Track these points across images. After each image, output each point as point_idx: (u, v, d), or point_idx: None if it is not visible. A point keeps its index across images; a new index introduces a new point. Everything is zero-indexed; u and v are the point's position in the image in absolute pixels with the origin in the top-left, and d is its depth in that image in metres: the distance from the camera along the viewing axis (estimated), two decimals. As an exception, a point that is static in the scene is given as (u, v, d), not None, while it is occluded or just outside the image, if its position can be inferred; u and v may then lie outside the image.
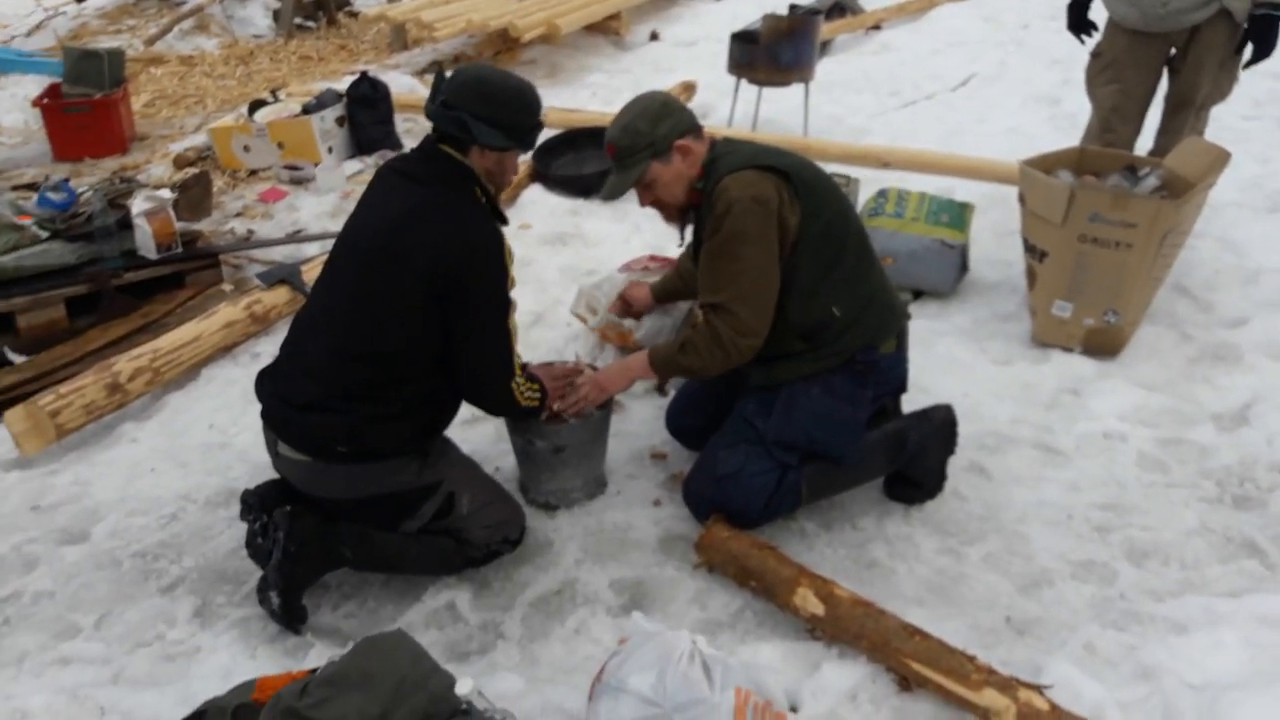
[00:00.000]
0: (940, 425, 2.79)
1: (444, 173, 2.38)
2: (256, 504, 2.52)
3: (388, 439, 2.38)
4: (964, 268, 4.03)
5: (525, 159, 5.34)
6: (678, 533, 2.77)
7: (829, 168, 4.84)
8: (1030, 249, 3.56)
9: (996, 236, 4.45)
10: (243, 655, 2.38)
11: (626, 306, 3.31)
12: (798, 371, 2.58)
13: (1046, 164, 3.61)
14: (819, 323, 2.54)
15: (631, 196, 2.69)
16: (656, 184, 2.59)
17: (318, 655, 2.38)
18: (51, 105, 6.17)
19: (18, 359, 3.80)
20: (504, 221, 2.47)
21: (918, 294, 4.01)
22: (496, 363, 2.45)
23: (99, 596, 2.60)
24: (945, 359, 3.55)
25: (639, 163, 2.54)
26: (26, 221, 4.08)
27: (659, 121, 2.52)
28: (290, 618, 2.41)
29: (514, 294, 2.45)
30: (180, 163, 5.90)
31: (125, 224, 4.14)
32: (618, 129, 2.56)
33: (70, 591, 2.62)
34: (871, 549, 2.70)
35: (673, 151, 2.54)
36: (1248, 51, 3.72)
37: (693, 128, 2.56)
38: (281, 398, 2.42)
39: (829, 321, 2.54)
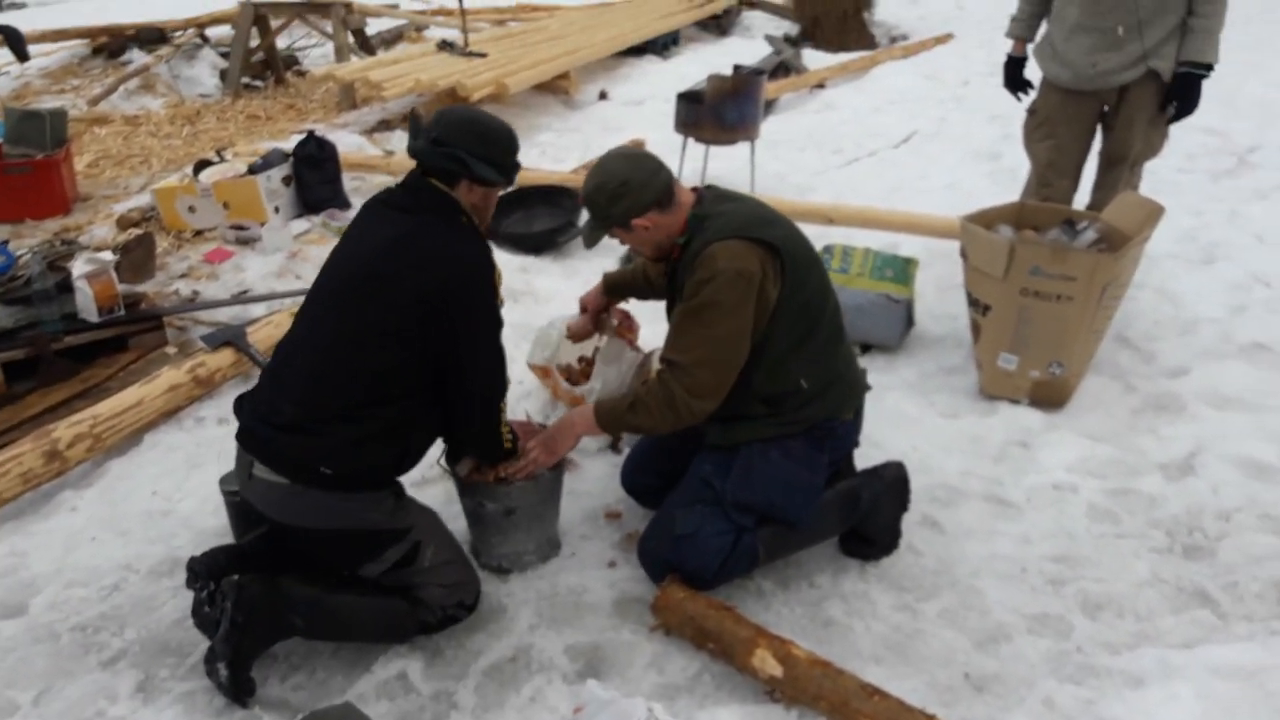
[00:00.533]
0: (892, 483, 2.81)
1: (431, 203, 2.42)
2: (203, 571, 2.45)
3: (366, 461, 2.36)
4: (910, 322, 4.09)
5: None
6: (633, 594, 2.74)
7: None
8: (974, 303, 3.63)
9: (940, 290, 4.52)
10: (186, 736, 2.30)
11: (579, 332, 3.27)
12: (757, 434, 2.59)
13: (987, 219, 3.70)
14: (784, 392, 2.56)
15: (582, 253, 2.72)
16: (635, 235, 2.62)
17: (264, 732, 2.31)
18: (-9, 166, 6.07)
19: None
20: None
21: (865, 348, 4.06)
22: (489, 380, 2.49)
23: (37, 671, 2.50)
24: (894, 413, 3.58)
25: (604, 228, 2.60)
26: (-37, 285, 3.99)
27: (615, 201, 2.53)
28: (238, 690, 2.34)
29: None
30: (124, 223, 5.81)
31: (65, 287, 4.06)
32: (587, 188, 2.58)
33: (7, 667, 2.51)
34: (828, 607, 2.69)
35: (633, 228, 2.58)
36: (1171, 108, 3.86)
37: (655, 202, 2.53)
38: (262, 418, 2.39)
39: (794, 392, 2.56)
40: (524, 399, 3.72)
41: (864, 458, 2.92)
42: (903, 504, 2.83)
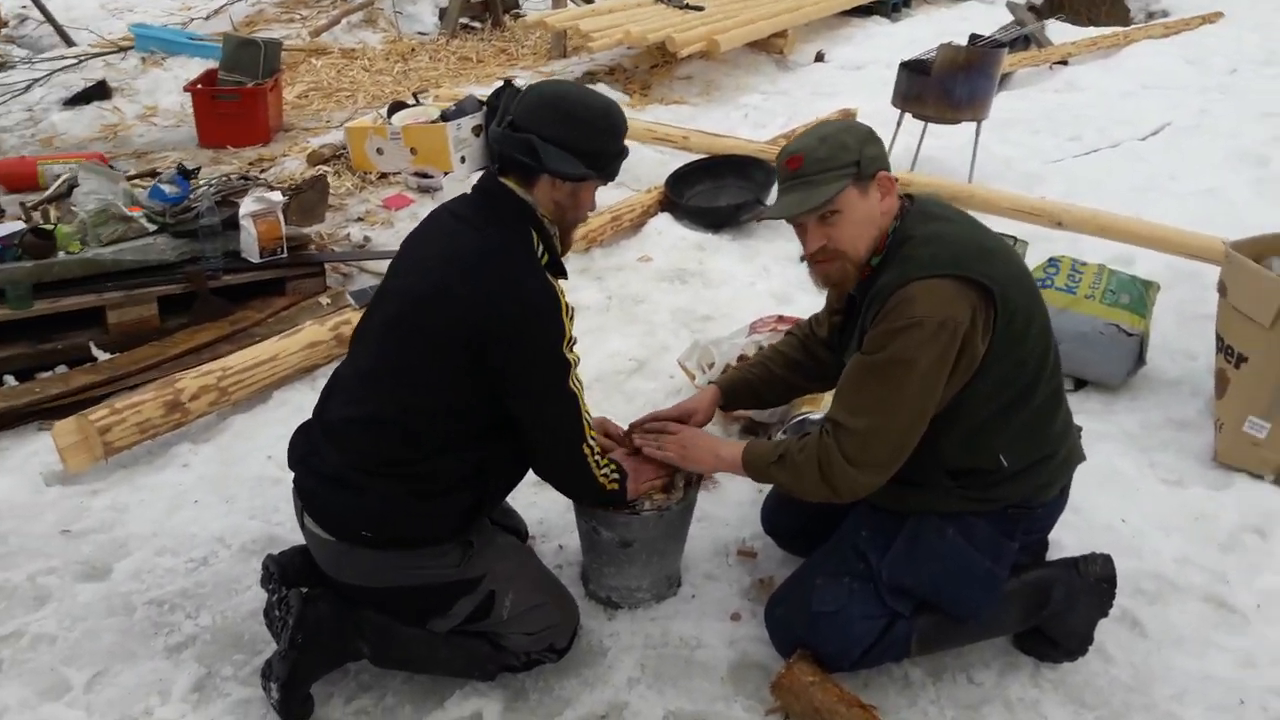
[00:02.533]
0: (1095, 583, 2.25)
1: (499, 214, 2.03)
2: (277, 573, 2.23)
3: (420, 525, 2.03)
4: (1140, 359, 3.42)
5: (655, 187, 4.98)
6: (754, 658, 2.33)
7: (992, 225, 4.33)
8: (1225, 349, 2.96)
9: (1180, 320, 3.81)
10: (228, 755, 2.07)
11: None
12: (934, 505, 2.11)
13: (1258, 248, 3.00)
14: (978, 469, 2.06)
15: (765, 234, 2.25)
16: (844, 220, 2.00)
17: (312, 764, 2.06)
18: (202, 91, 6.18)
19: (102, 355, 3.66)
20: (562, 274, 2.12)
21: (1080, 383, 3.44)
22: (557, 431, 2.08)
23: (100, 649, 2.34)
24: (1105, 470, 2.97)
25: (836, 180, 1.97)
26: (136, 213, 3.95)
27: (868, 143, 2.01)
28: (289, 713, 2.09)
29: (580, 348, 2.10)
30: (314, 159, 5.78)
31: (232, 223, 3.96)
32: (814, 139, 2.02)
33: (73, 639, 2.37)
34: (988, 713, 2.20)
35: (875, 182, 2.02)
36: None
37: (873, 173, 2.01)
38: (308, 465, 2.11)
39: (991, 471, 2.05)
40: (674, 395, 3.33)
41: (1062, 524, 2.36)
42: (1103, 609, 2.27)
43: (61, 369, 3.63)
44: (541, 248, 2.05)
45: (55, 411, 3.23)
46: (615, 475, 2.21)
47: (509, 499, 2.55)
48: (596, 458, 2.15)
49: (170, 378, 3.12)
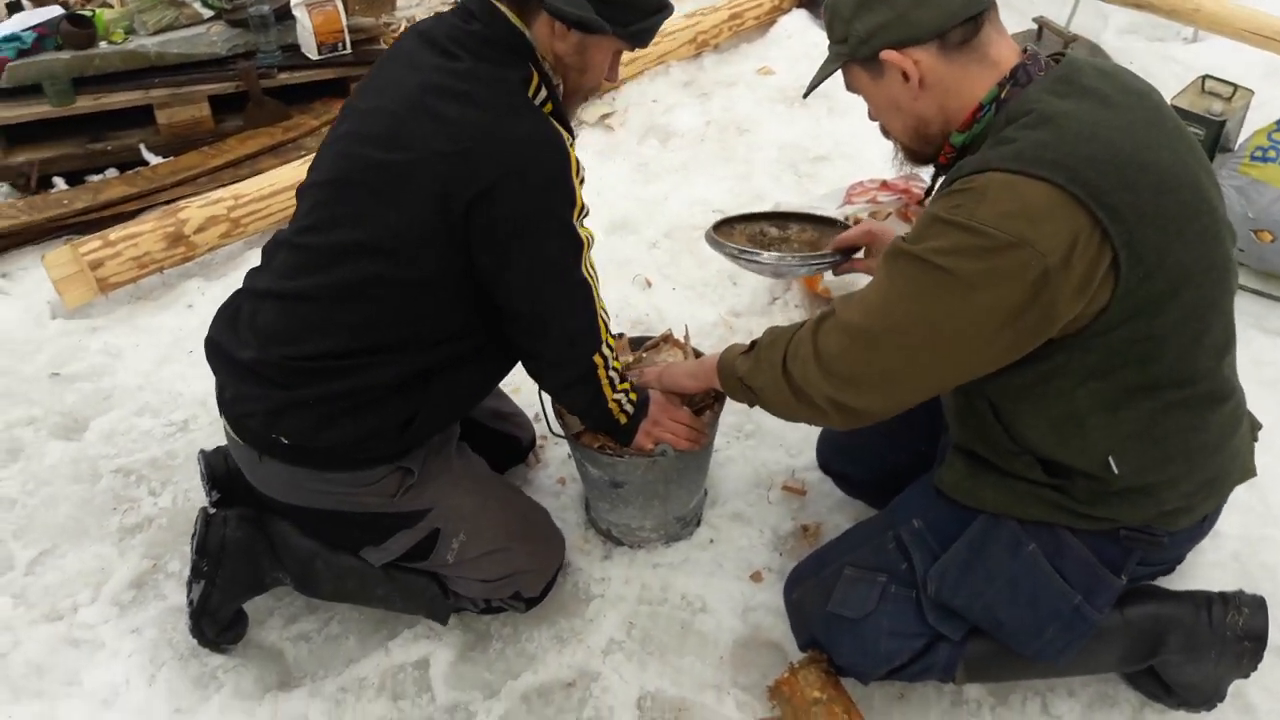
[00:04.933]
0: (1236, 639, 1.62)
1: (487, 41, 1.48)
2: (207, 474, 1.92)
3: (342, 442, 1.60)
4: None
5: None
6: (768, 636, 1.89)
7: (1209, 62, 3.32)
8: None
9: None
10: (139, 676, 1.82)
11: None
12: (1017, 507, 1.52)
13: None
14: (1076, 469, 1.45)
15: None
16: (866, 99, 1.50)
17: (227, 697, 1.79)
18: None
19: (154, 159, 3.37)
20: (568, 131, 1.56)
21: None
22: (564, 333, 1.61)
23: (54, 522, 2.12)
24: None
25: (831, 59, 1.47)
26: (189, -3, 3.54)
27: (864, 10, 1.38)
28: (202, 638, 1.81)
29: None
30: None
31: (286, 13, 3.50)
32: None
33: (31, 506, 2.16)
34: (1058, 757, 1.70)
35: (881, 64, 1.41)
36: None
37: (935, 33, 1.35)
38: (219, 347, 1.69)
39: (1094, 477, 1.44)
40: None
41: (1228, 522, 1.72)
42: (1241, 669, 1.65)
43: (112, 172, 3.38)
44: (544, 92, 1.52)
45: (83, 227, 2.99)
46: (630, 406, 1.73)
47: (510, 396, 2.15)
48: (611, 374, 1.67)
49: (174, 206, 2.78)
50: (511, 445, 2.15)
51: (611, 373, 1.68)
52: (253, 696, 1.79)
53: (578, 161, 1.50)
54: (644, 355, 2.00)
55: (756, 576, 1.99)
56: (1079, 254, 1.23)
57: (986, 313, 1.27)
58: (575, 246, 1.52)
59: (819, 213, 2.08)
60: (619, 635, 1.90)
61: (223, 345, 1.67)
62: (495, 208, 1.43)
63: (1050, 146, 1.25)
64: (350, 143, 1.54)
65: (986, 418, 1.49)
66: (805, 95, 1.60)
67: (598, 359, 1.64)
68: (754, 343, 1.59)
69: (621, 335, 2.02)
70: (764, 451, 2.24)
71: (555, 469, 2.22)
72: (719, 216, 2.05)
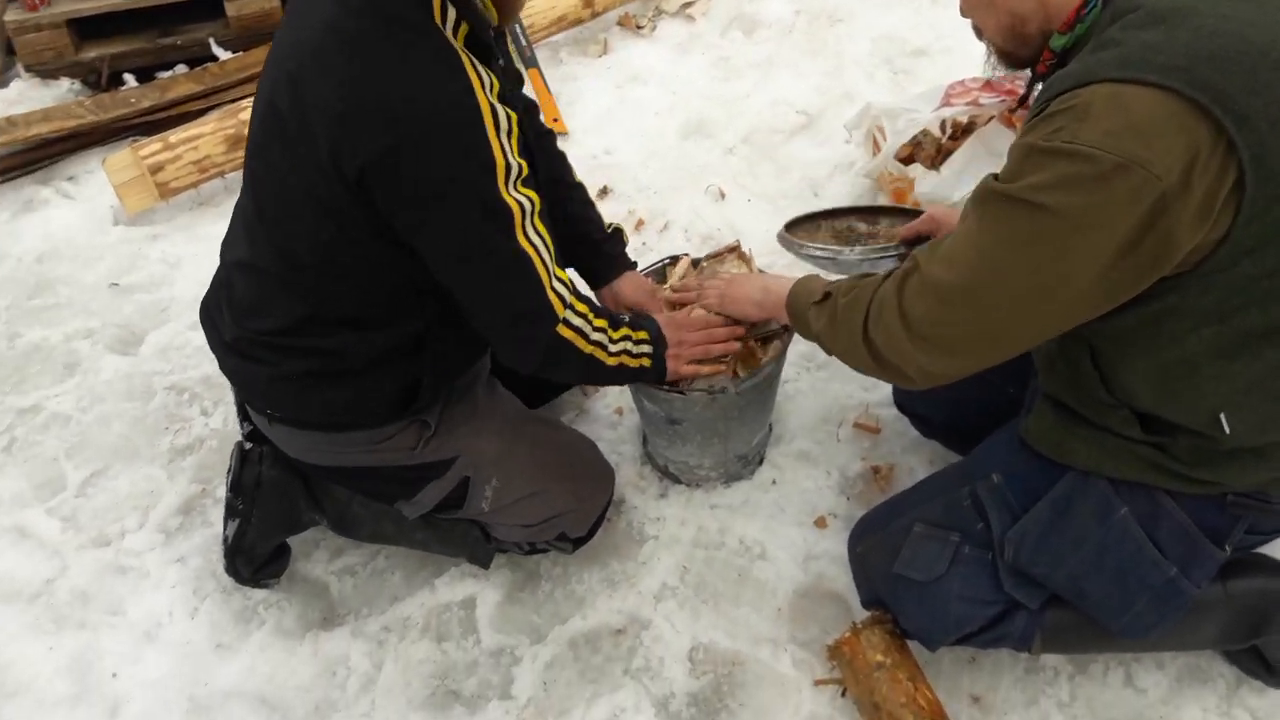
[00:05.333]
0: None
1: None
2: (239, 402, 1.85)
3: (338, 411, 1.50)
4: None
5: None
6: (830, 587, 1.76)
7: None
8: None
9: None
10: (181, 609, 1.80)
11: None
12: (1108, 465, 1.34)
13: None
14: (1181, 425, 1.25)
15: None
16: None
17: (269, 634, 1.76)
18: None
19: (224, 54, 3.27)
20: (489, 56, 1.32)
21: None
22: (506, 315, 1.39)
23: (105, 442, 2.11)
24: None
25: None
26: None
27: None
28: (238, 576, 1.76)
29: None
30: None
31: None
32: None
33: (84, 424, 2.15)
34: (1146, 733, 1.55)
35: None
36: None
37: None
38: (210, 319, 1.59)
39: (1202, 434, 1.24)
40: (838, 171, 2.52)
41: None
42: None
43: (181, 69, 3.30)
44: (452, 12, 1.25)
45: (149, 127, 2.92)
46: (642, 349, 1.56)
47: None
48: (597, 337, 1.47)
49: (235, 106, 2.68)
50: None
51: (597, 335, 1.46)
52: (294, 634, 1.76)
53: (504, 112, 1.24)
54: (704, 265, 1.84)
55: (820, 522, 1.85)
56: (1199, 172, 1.03)
57: (1097, 251, 1.08)
58: (501, 218, 1.27)
59: (900, 206, 1.96)
60: (672, 580, 1.79)
61: (212, 316, 1.58)
62: (389, 183, 1.22)
63: (1161, 48, 1.05)
64: (264, 94, 1.35)
65: (1082, 365, 1.30)
66: None
67: (564, 331, 1.41)
68: (828, 293, 1.42)
69: (685, 255, 1.86)
70: (836, 385, 2.08)
71: (613, 397, 2.10)
72: (793, 215, 1.91)
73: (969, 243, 1.19)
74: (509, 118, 1.25)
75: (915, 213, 1.83)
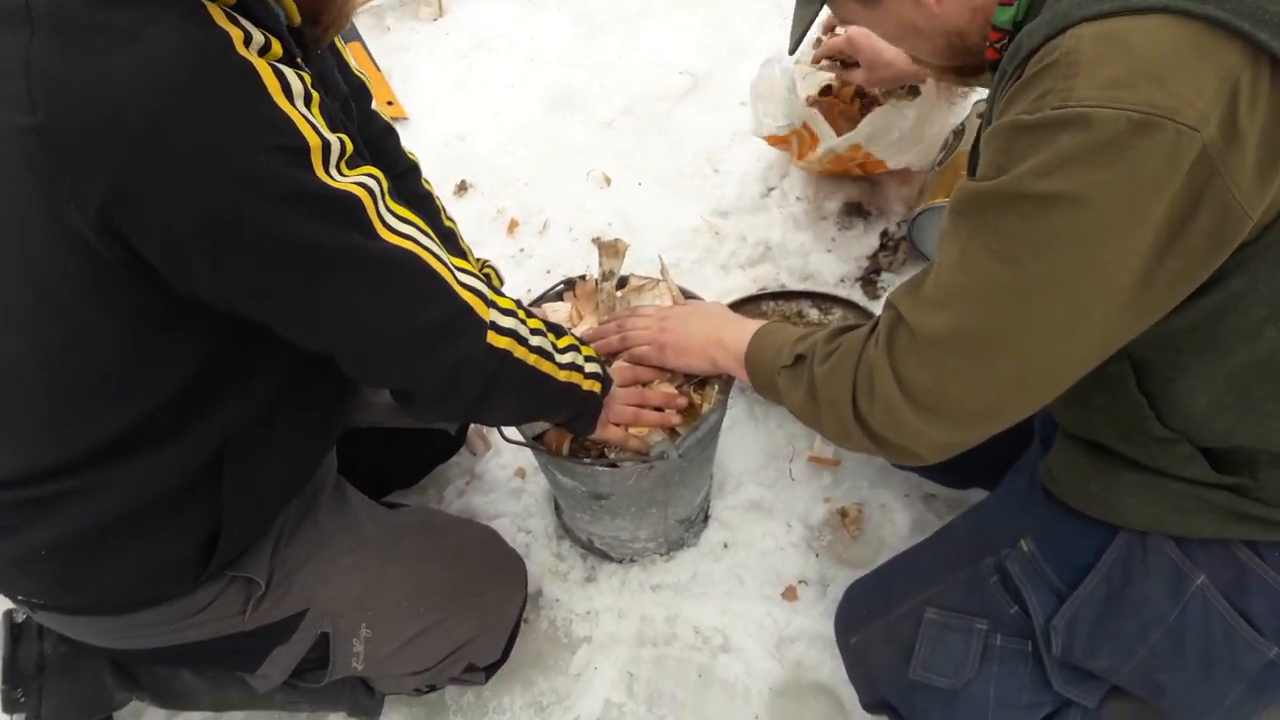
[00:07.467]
0: None
1: None
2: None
3: (119, 583, 1.03)
4: None
5: None
6: (812, 677, 1.42)
7: None
8: None
9: None
10: None
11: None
12: (1172, 521, 1.02)
13: None
14: (1262, 452, 0.95)
15: None
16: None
17: None
18: None
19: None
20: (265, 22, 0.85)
21: None
22: (406, 325, 0.92)
23: None
24: None
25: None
26: None
27: None
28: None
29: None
30: None
31: None
32: None
33: None
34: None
35: None
36: None
37: None
38: None
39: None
40: (742, 140, 2.15)
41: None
42: None
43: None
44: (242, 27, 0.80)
45: None
46: (593, 369, 1.16)
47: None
48: (535, 340, 1.06)
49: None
50: (438, 436, 1.57)
51: (536, 340, 1.06)
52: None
53: (302, 76, 0.83)
54: (621, 298, 1.44)
55: (790, 594, 1.50)
56: (1246, 109, 0.75)
57: (1132, 241, 0.79)
58: (338, 213, 0.85)
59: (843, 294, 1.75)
60: (617, 695, 1.42)
61: None
62: (148, 215, 0.78)
63: None
64: None
65: (1125, 390, 0.97)
66: (790, 53, 1.14)
67: (497, 340, 0.99)
68: (799, 355, 1.05)
69: (583, 277, 1.45)
70: (780, 412, 1.72)
71: (510, 455, 1.69)
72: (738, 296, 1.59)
73: (959, 271, 0.87)
74: (302, 80, 0.82)
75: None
